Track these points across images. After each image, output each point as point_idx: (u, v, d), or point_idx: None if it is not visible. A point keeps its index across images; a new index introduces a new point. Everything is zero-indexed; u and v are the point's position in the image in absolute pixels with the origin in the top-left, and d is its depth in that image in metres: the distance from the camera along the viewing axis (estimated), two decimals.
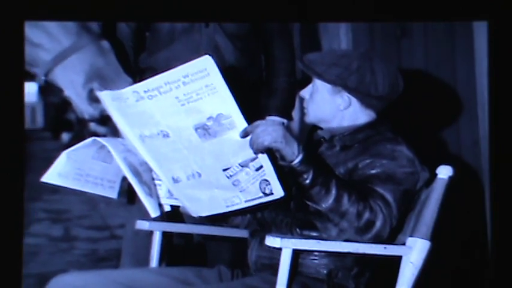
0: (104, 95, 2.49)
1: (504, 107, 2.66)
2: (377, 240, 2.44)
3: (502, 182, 2.62)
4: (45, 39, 2.62)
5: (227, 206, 2.55)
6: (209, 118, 2.36)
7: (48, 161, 2.67)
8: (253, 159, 2.41)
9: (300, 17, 3.00)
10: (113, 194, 2.82)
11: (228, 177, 2.47)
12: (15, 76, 2.60)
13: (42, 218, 7.41)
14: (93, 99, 2.58)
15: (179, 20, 3.00)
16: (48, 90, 2.66)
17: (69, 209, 7.52)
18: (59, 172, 2.68)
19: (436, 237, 2.49)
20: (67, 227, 6.89)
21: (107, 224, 6.69)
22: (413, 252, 2.47)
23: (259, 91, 3.47)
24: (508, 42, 2.67)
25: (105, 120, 2.61)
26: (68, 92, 2.64)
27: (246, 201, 2.50)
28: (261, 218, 2.72)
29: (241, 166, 2.44)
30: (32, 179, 2.83)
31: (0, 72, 2.57)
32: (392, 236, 2.50)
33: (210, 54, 2.32)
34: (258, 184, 2.45)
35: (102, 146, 2.65)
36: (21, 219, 2.53)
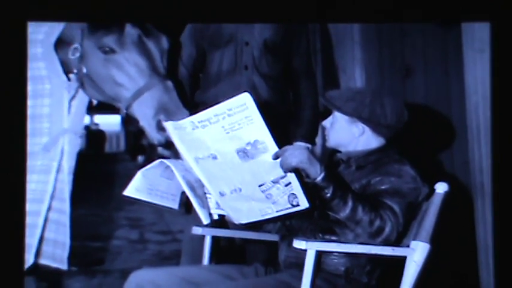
0: (168, 125, 2.50)
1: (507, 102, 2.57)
2: (386, 243, 2.41)
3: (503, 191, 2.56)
4: (126, 80, 2.63)
5: (262, 215, 2.53)
6: (248, 143, 2.36)
7: (128, 178, 2.68)
8: (283, 177, 2.40)
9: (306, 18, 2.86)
10: (175, 205, 2.82)
11: (262, 192, 2.45)
12: (18, 75, 2.49)
13: (123, 224, 7.45)
14: (160, 128, 2.58)
15: (180, 21, 2.88)
16: (128, 121, 2.65)
17: (143, 217, 7.56)
18: (136, 188, 2.69)
19: (435, 241, 2.45)
20: (141, 232, 6.92)
21: (170, 230, 6.71)
22: (416, 253, 2.43)
23: (288, 121, 3.44)
24: (509, 43, 2.56)
25: (169, 145, 2.60)
26: (142, 123, 2.64)
27: (277, 211, 2.48)
28: (289, 225, 2.68)
29: (273, 182, 2.42)
30: (116, 193, 2.85)
31: (4, 72, 2.47)
32: (398, 240, 2.47)
33: (248, 92, 2.32)
34: (287, 197, 2.43)
35: (167, 166, 2.65)
36: (23, 221, 2.46)
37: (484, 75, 3.27)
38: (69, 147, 2.73)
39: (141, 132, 2.70)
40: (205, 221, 2.66)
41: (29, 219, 2.61)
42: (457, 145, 4.14)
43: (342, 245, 2.41)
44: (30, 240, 2.65)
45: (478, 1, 2.59)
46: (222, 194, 2.56)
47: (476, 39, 3.32)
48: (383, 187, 2.51)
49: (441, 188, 2.50)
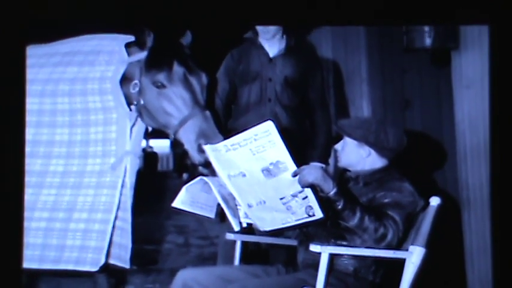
0: (207, 148, 2.50)
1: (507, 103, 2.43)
2: (388, 247, 2.40)
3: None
4: (174, 110, 2.63)
5: (283, 224, 2.52)
6: (271, 163, 2.35)
7: (176, 193, 2.68)
8: (301, 192, 2.38)
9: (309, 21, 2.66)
10: (212, 215, 2.79)
11: (283, 204, 2.44)
12: (17, 96, 2.38)
13: (172, 231, 7.46)
14: (201, 151, 2.57)
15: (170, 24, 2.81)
16: (176, 144, 2.65)
17: (187, 225, 7.55)
18: (181, 200, 2.68)
19: (430, 245, 2.42)
20: (186, 237, 6.93)
21: (208, 236, 6.71)
22: (413, 256, 2.40)
23: (305, 145, 3.42)
24: (509, 45, 2.41)
25: (208, 164, 2.58)
26: (186, 146, 2.63)
27: (295, 221, 2.47)
28: (306, 231, 2.67)
29: (293, 196, 2.40)
30: (167, 205, 2.87)
31: (4, 94, 2.37)
32: (399, 245, 2.45)
33: (271, 120, 2.32)
34: (304, 209, 2.42)
35: (206, 182, 2.64)
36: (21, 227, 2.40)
37: (470, 107, 3.25)
38: (130, 166, 2.73)
39: (185, 153, 2.69)
40: (236, 228, 2.64)
41: (100, 227, 2.64)
42: (448, 165, 4.13)
43: (351, 248, 2.40)
44: (102, 244, 2.65)
45: (477, 4, 2.44)
46: (249, 206, 2.54)
47: (464, 77, 3.30)
48: (386, 200, 2.49)
49: (435, 201, 2.48)
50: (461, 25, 3.21)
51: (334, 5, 2.49)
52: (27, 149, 2.69)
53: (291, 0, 2.50)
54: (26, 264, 2.61)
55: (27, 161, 2.68)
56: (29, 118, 2.70)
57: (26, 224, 2.61)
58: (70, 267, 2.65)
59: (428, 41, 3.29)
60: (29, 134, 2.70)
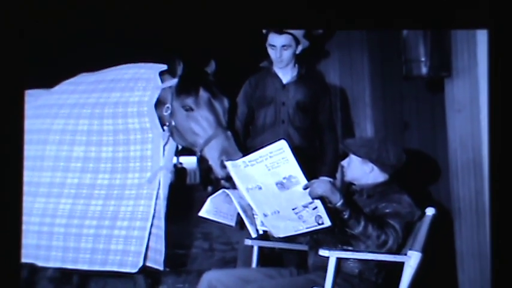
0: (228, 164, 2.51)
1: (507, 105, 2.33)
2: (389, 252, 2.39)
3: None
4: (200, 131, 2.65)
5: (295, 231, 2.51)
6: (284, 178, 2.35)
7: (202, 204, 2.70)
8: (311, 203, 2.38)
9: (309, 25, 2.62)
10: (233, 223, 2.80)
11: (295, 214, 2.43)
12: (16, 140, 2.32)
13: (198, 237, 7.39)
14: (223, 166, 2.58)
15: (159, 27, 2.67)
16: (202, 160, 2.66)
17: (211, 232, 7.51)
18: (206, 210, 2.70)
19: (425, 250, 2.42)
20: (211, 243, 6.89)
21: (230, 241, 6.66)
22: (411, 260, 2.39)
23: (315, 161, 3.38)
24: (508, 49, 2.32)
25: (229, 178, 2.59)
26: (211, 162, 2.65)
27: (306, 228, 2.46)
28: (316, 238, 2.64)
29: (304, 207, 2.40)
30: (194, 214, 2.88)
31: (4, 138, 2.32)
32: (398, 250, 2.44)
33: (285, 139, 2.32)
34: (314, 218, 2.41)
35: (227, 194, 2.65)
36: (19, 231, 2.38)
37: (461, 129, 3.23)
38: (164, 180, 2.75)
39: (210, 169, 2.69)
40: (254, 235, 2.64)
41: (139, 233, 2.67)
42: (441, 180, 4.10)
43: (356, 253, 2.40)
44: (140, 248, 2.67)
45: (477, 9, 2.34)
46: (265, 215, 2.54)
47: (456, 102, 3.29)
48: (387, 211, 2.49)
49: (430, 211, 2.48)
50: (461, 29, 3.14)
51: (335, 9, 2.43)
52: (78, 164, 2.75)
53: (297, 8, 2.46)
54: (79, 266, 2.69)
55: (78, 175, 2.75)
56: (79, 137, 2.77)
57: (78, 230, 2.69)
58: (114, 268, 2.68)
59: (424, 70, 3.28)
60: (80, 151, 2.76)
